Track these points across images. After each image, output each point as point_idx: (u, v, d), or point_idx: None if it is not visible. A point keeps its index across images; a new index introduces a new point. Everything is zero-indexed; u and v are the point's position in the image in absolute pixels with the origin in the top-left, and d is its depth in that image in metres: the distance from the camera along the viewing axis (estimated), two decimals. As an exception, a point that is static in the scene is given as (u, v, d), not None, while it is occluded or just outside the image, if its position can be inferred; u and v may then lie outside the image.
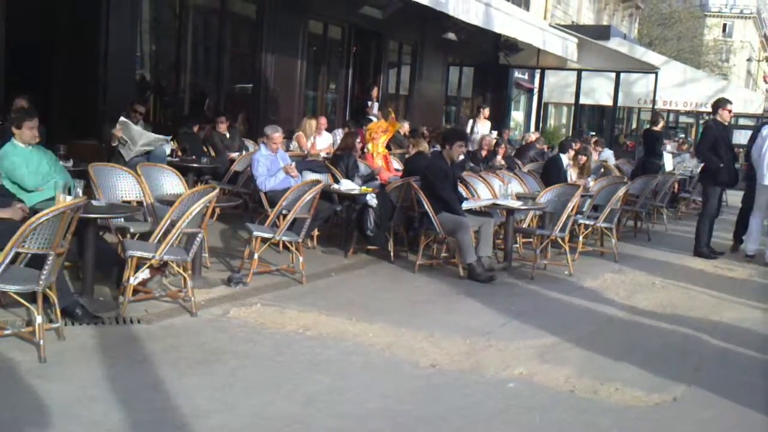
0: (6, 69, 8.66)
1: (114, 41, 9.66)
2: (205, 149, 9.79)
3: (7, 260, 4.30)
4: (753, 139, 9.75)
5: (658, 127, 13.30)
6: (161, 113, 11.63)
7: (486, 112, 14.48)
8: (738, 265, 9.01)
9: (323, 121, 11.75)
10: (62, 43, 9.79)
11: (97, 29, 9.57)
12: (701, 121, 29.00)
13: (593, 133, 21.54)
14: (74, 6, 9.61)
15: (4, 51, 8.42)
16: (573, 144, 10.22)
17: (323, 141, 11.45)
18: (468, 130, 13.37)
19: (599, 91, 22.28)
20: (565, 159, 9.91)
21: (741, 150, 15.18)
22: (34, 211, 5.00)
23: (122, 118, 8.30)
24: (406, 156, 10.07)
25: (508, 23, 14.10)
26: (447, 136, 7.86)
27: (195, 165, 8.66)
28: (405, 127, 13.31)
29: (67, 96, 9.86)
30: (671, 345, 5.70)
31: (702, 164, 9.87)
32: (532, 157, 13.36)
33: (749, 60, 60.65)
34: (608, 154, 14.45)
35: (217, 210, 7.88)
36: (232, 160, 9.47)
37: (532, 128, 22.91)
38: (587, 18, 33.73)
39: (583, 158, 10.10)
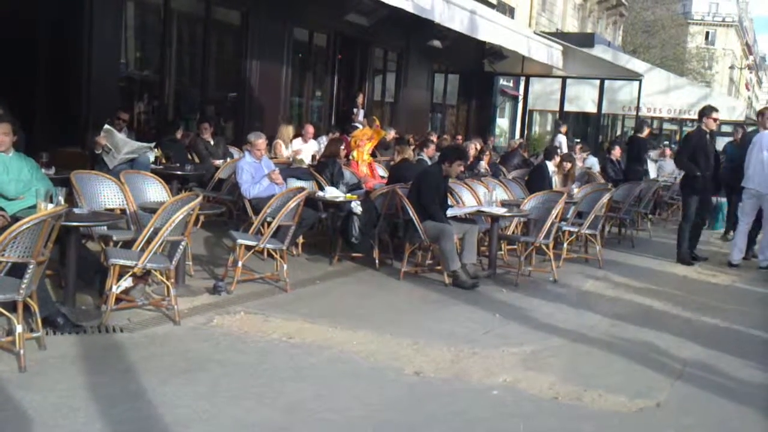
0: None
1: (98, 48, 9.62)
2: (189, 156, 9.75)
3: (-13, 269, 4.26)
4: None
5: (643, 134, 13.39)
6: (145, 120, 11.57)
7: (564, 128, 14.95)
8: (721, 271, 9.08)
9: (310, 129, 11.75)
10: (45, 50, 9.73)
11: (80, 36, 9.53)
12: (685, 128, 29.20)
13: (578, 140, 21.66)
14: (57, 13, 9.56)
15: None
16: (558, 151, 10.28)
17: (310, 148, 11.44)
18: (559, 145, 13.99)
19: (584, 98, 22.39)
20: (551, 166, 9.95)
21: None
22: (14, 219, 4.96)
23: (106, 126, 8.26)
24: (391, 163, 10.09)
25: (494, 31, 14.18)
26: (448, 154, 7.81)
27: (179, 172, 8.62)
28: (390, 134, 13.33)
29: (50, 103, 9.80)
30: (655, 351, 5.73)
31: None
32: (516, 165, 13.42)
33: (731, 67, 61.31)
34: (593, 161, 14.56)
35: (201, 217, 7.85)
36: (217, 167, 9.44)
37: (517, 135, 23.01)
38: (571, 26, 33.95)
39: (568, 165, 10.16)
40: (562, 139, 14.70)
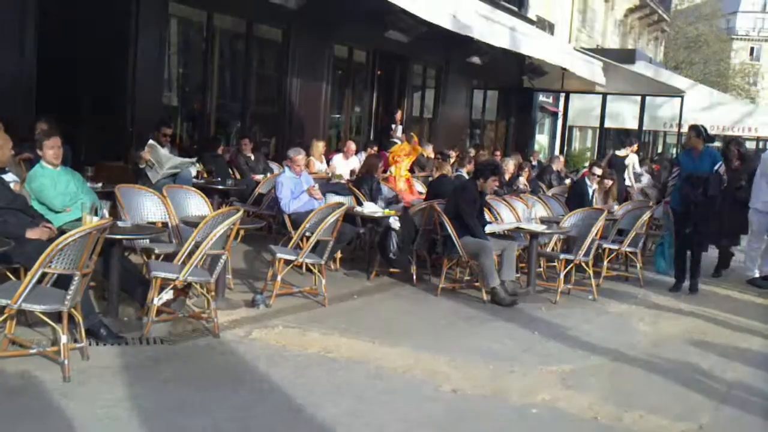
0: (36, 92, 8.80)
1: (142, 65, 9.82)
2: (230, 171, 9.88)
3: (34, 280, 4.36)
4: None
5: None
6: (188, 136, 11.76)
7: (635, 147, 14.50)
8: (766, 291, 8.87)
9: (352, 145, 11.84)
10: (91, 67, 9.96)
11: (125, 53, 9.74)
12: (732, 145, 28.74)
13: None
14: (102, 30, 9.79)
15: (35, 74, 8.58)
16: (594, 168, 10.15)
17: (350, 165, 11.52)
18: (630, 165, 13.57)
19: (624, 114, 22.18)
20: (590, 182, 9.85)
21: None
22: (61, 231, 5.08)
23: (151, 141, 8.41)
24: (430, 179, 10.09)
25: (533, 47, 14.14)
26: (482, 170, 7.78)
27: (220, 187, 8.74)
28: (428, 151, 13.34)
29: (95, 118, 10.02)
30: (698, 372, 5.61)
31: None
32: (550, 181, 13.26)
33: (777, 83, 60.06)
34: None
35: (241, 232, 7.93)
36: (257, 182, 9.54)
37: (557, 151, 22.86)
38: (612, 42, 33.68)
39: (609, 182, 10.04)
40: (633, 158, 14.12)
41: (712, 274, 9.54)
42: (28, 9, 8.40)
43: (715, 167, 8.28)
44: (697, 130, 8.58)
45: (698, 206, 8.24)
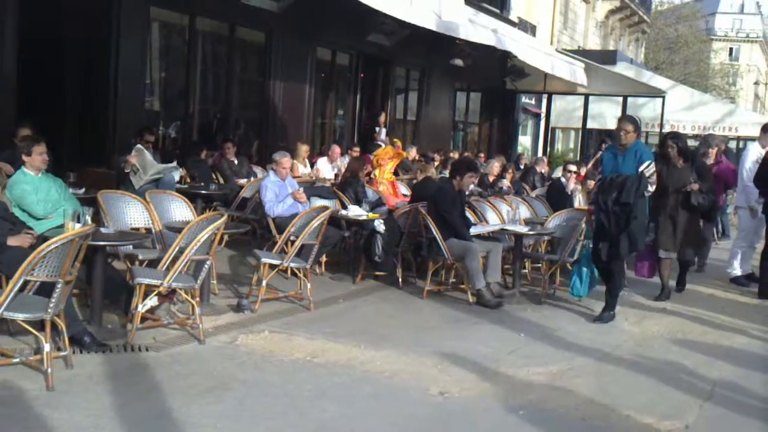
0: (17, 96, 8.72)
1: (123, 69, 9.75)
2: (213, 176, 9.83)
3: (16, 288, 4.31)
4: None
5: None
6: (170, 141, 11.69)
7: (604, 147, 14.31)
8: (748, 290, 8.94)
9: (337, 149, 11.83)
10: (72, 71, 9.89)
11: (106, 57, 9.67)
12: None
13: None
14: (84, 34, 9.72)
15: (16, 78, 8.50)
16: (568, 165, 10.20)
17: (335, 167, 11.49)
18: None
19: (606, 115, 22.30)
20: (566, 181, 9.92)
21: None
22: (43, 238, 5.02)
23: (138, 146, 8.37)
24: (414, 182, 10.09)
25: (515, 49, 14.20)
26: (458, 168, 7.83)
27: (203, 192, 8.70)
28: (412, 153, 13.36)
29: (77, 123, 9.95)
30: (682, 371, 5.64)
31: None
32: (533, 182, 13.31)
33: (756, 83, 60.75)
34: None
35: (226, 237, 7.89)
36: (241, 187, 9.50)
37: (540, 153, 22.95)
38: (593, 43, 33.86)
39: (592, 183, 10.08)
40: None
41: (676, 289, 8.43)
42: (8, 12, 8.32)
43: (641, 168, 6.64)
44: (633, 122, 6.92)
45: (610, 216, 6.65)
